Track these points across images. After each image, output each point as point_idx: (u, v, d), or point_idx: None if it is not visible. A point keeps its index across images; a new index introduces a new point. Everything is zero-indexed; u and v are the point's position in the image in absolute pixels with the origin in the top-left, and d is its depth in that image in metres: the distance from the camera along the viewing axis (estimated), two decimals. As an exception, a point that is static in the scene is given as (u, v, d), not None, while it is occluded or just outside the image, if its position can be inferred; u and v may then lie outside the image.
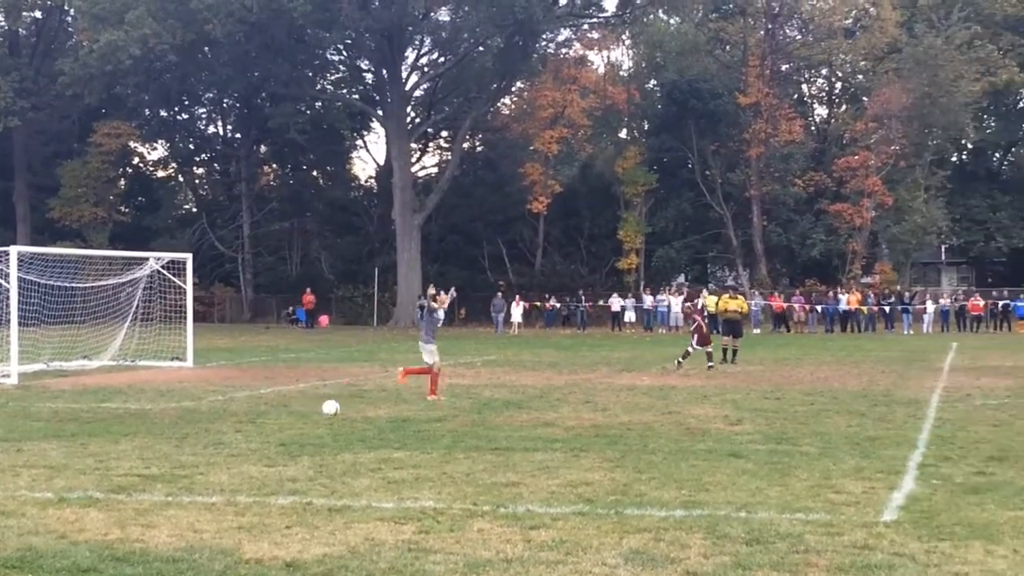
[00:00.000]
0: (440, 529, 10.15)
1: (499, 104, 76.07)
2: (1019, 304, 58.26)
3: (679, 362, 30.48)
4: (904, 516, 10.55)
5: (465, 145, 75.14)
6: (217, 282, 74.18)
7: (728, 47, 75.15)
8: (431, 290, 23.50)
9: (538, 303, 62.34)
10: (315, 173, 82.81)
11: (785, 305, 59.28)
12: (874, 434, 16.46)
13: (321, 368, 31.56)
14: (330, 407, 19.07)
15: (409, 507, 11.13)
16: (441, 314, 22.98)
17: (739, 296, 34.40)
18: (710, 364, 29.83)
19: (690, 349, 30.64)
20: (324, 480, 12.77)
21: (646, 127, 75.84)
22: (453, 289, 26.54)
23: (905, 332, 55.73)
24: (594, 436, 16.39)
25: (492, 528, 10.17)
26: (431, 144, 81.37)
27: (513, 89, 74.85)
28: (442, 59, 71.27)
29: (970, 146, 79.08)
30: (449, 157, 74.58)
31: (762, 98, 66.93)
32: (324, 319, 65.43)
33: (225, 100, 78.07)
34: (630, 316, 59.83)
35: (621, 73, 75.43)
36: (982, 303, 58.05)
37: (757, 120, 67.38)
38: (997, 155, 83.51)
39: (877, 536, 9.72)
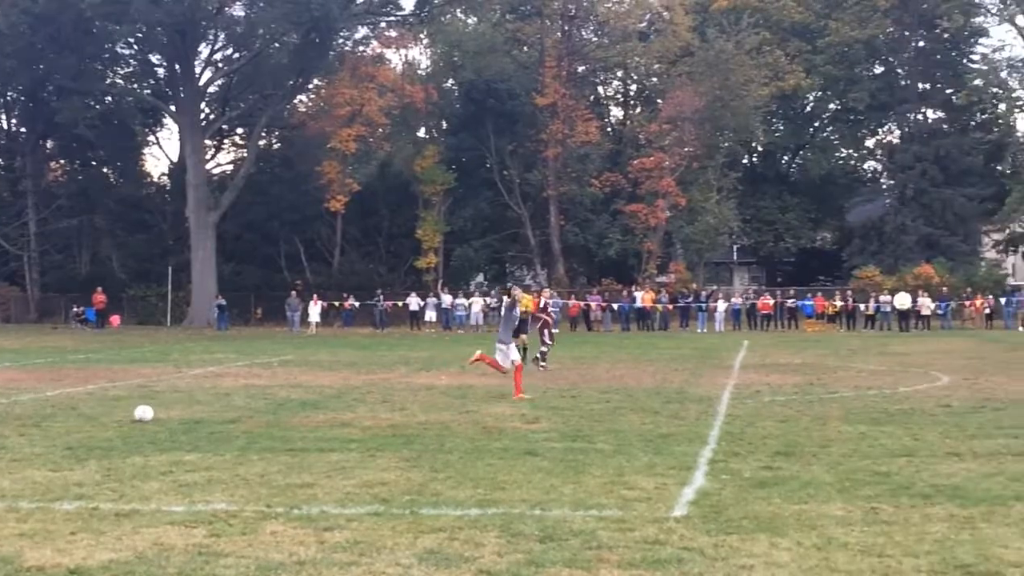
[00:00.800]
0: (232, 532, 9.93)
1: (296, 101, 75.07)
2: (807, 303, 60.07)
3: (537, 359, 30.36)
4: (694, 511, 10.70)
5: (261, 142, 74.13)
6: (1, 281, 71.68)
7: (525, 48, 75.68)
8: (516, 290, 23.99)
9: (336, 302, 61.88)
10: (105, 170, 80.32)
11: (581, 304, 60.06)
12: (667, 431, 16.68)
13: (111, 369, 30.67)
14: (143, 412, 18.41)
15: (200, 510, 10.86)
16: (517, 312, 23.18)
17: (526, 295, 34.35)
18: (542, 364, 29.97)
19: (543, 348, 30.58)
20: (112, 484, 12.38)
21: (444, 126, 75.80)
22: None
23: (699, 330, 56.96)
24: (391, 436, 16.27)
25: (285, 530, 10.00)
26: (226, 141, 79.94)
27: (310, 86, 73.99)
28: (236, 55, 70.16)
29: (760, 149, 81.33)
30: (245, 154, 73.47)
31: (559, 99, 67.61)
32: (115, 319, 63.65)
33: (9, 93, 75.37)
34: (430, 315, 59.79)
35: (419, 72, 75.28)
36: (772, 302, 59.63)
37: (554, 121, 68.01)
38: (786, 158, 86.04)
39: (667, 531, 9.83)
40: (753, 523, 10.13)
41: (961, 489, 11.67)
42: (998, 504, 10.85)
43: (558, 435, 16.26)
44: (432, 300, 60.27)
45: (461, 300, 59.88)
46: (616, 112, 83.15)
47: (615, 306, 60.10)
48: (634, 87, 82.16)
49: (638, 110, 79.69)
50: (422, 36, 75.16)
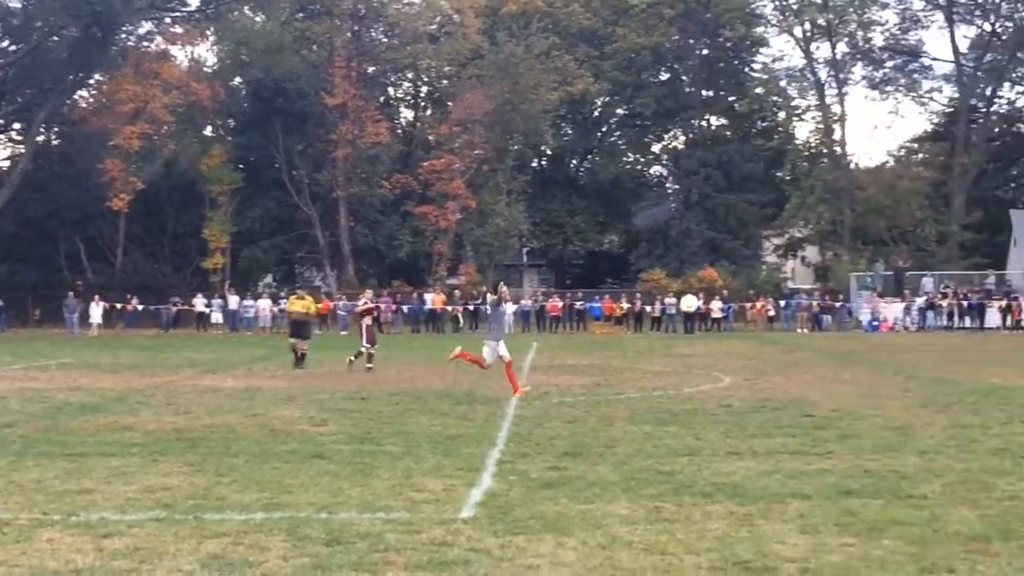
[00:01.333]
0: (5, 541, 9.56)
1: (76, 97, 72.86)
2: (595, 305, 60.97)
3: (351, 361, 30.05)
4: (481, 512, 10.72)
5: (40, 138, 71.57)
6: None
7: (315, 47, 74.90)
8: (503, 287, 24.14)
9: (119, 303, 60.27)
10: None
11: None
12: (455, 432, 16.69)
13: None
14: None
15: (-30, 520, 10.43)
16: (508, 307, 23.07)
17: (306, 297, 33.93)
18: (351, 359, 29.70)
19: (362, 349, 30.21)
20: None
21: (232, 125, 74.48)
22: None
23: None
24: (175, 440, 15.90)
25: (62, 537, 9.67)
26: (2, 136, 77.12)
27: (91, 82, 71.90)
28: (13, 48, 67.69)
29: (549, 152, 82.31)
30: (22, 150, 70.95)
31: (349, 99, 67.21)
32: None
33: None
34: (216, 317, 58.76)
35: (205, 69, 73.77)
36: (560, 304, 60.34)
37: (344, 121, 67.56)
38: (574, 162, 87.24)
39: (455, 532, 9.82)
40: (540, 523, 10.19)
41: (740, 487, 11.94)
42: (775, 501, 11.13)
43: (346, 437, 16.12)
44: (218, 301, 59.28)
45: (249, 301, 59.01)
46: (406, 113, 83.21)
47: (405, 308, 60.02)
48: (424, 89, 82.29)
49: (428, 112, 79.82)
50: (209, 33, 73.70)
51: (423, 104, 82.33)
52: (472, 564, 8.74)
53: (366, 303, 32.54)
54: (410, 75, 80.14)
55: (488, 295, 24.03)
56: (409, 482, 12.39)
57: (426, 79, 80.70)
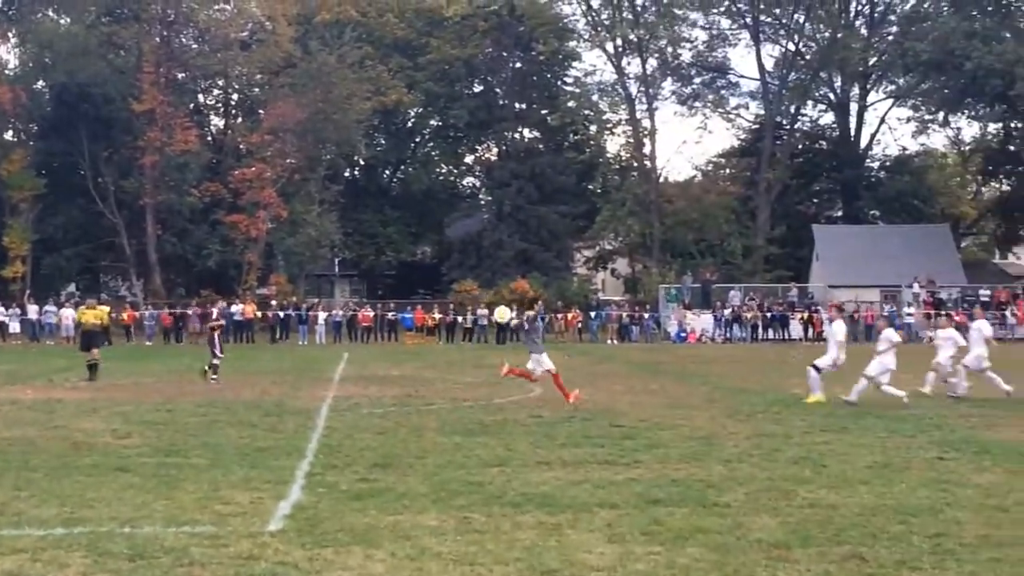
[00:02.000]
0: None
1: None
2: (407, 316, 60.87)
3: (205, 371, 29.35)
4: (290, 525, 10.59)
5: None
6: None
7: (122, 52, 73.08)
8: (539, 304, 23.60)
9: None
10: None
11: (176, 313, 58.75)
12: (264, 444, 16.48)
13: None
14: None
15: None
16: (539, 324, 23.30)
17: (98, 307, 33.17)
18: (206, 371, 29.22)
19: (215, 361, 29.56)
20: None
21: (34, 130, 72.19)
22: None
23: (300, 343, 56.70)
24: (-31, 454, 15.36)
25: None
26: None
27: None
28: None
29: (362, 163, 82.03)
30: None
31: (157, 105, 65.74)
32: None
33: None
34: (15, 327, 56.92)
35: (7, 72, 71.37)
36: (372, 314, 60.11)
37: (152, 128, 66.06)
38: (387, 172, 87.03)
39: (262, 546, 9.68)
40: (349, 535, 10.11)
41: (550, 497, 12.02)
42: (583, 511, 11.23)
43: (151, 450, 15.78)
44: (15, 311, 57.50)
45: (52, 309, 57.29)
46: (217, 121, 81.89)
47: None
48: (236, 96, 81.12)
49: (239, 120, 78.66)
50: (10, 34, 71.43)
51: (234, 112, 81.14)
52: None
53: (218, 316, 32.17)
54: (221, 82, 78.90)
55: (527, 312, 24.43)
56: (216, 495, 12.17)
57: (237, 86, 79.53)
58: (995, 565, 9.03)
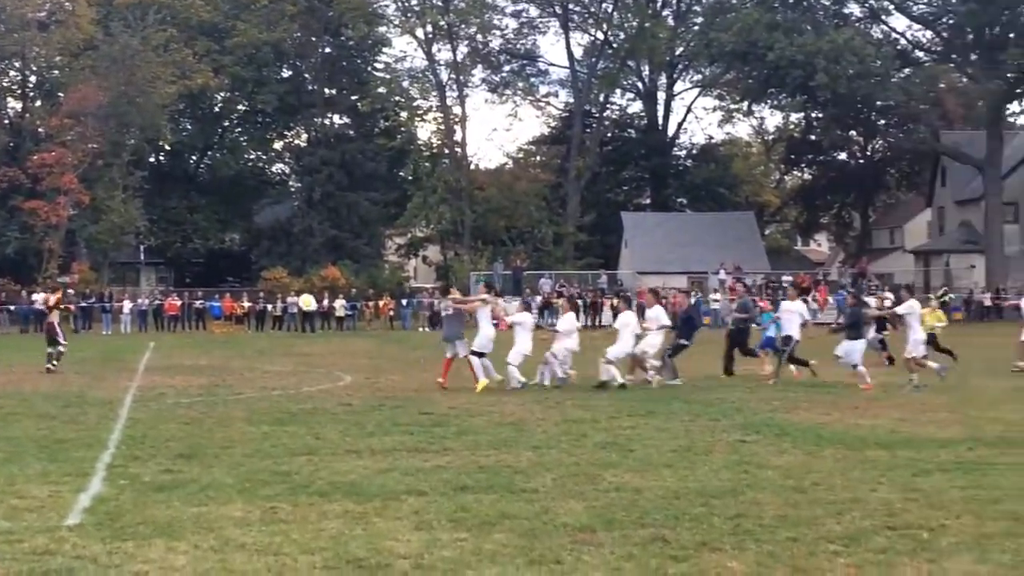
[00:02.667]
0: None
1: None
2: (215, 304, 59.94)
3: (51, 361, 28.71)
4: (89, 518, 10.31)
5: None
6: None
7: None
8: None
9: None
10: None
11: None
12: (64, 436, 16.03)
13: None
14: None
15: None
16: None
17: None
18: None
19: (61, 348, 29.08)
20: None
21: None
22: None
23: (104, 332, 55.35)
24: None
25: None
26: None
27: None
28: None
29: (168, 148, 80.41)
30: None
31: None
32: None
33: None
34: None
35: None
36: (179, 303, 59.06)
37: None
38: (194, 157, 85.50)
39: (59, 540, 9.40)
40: (150, 528, 9.89)
41: (357, 485, 11.95)
42: (391, 499, 11.18)
43: (-57, 445, 15.22)
44: None
45: None
46: (14, 104, 79.16)
47: (12, 307, 57.30)
48: (33, 79, 78.57)
49: (38, 103, 76.20)
50: None
51: (32, 94, 78.49)
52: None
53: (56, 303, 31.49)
54: (17, 64, 76.30)
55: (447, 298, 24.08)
56: (11, 489, 11.79)
57: (35, 68, 77.04)
58: (792, 544, 9.26)
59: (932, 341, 27.37)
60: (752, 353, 26.82)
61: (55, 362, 28.74)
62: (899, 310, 24.82)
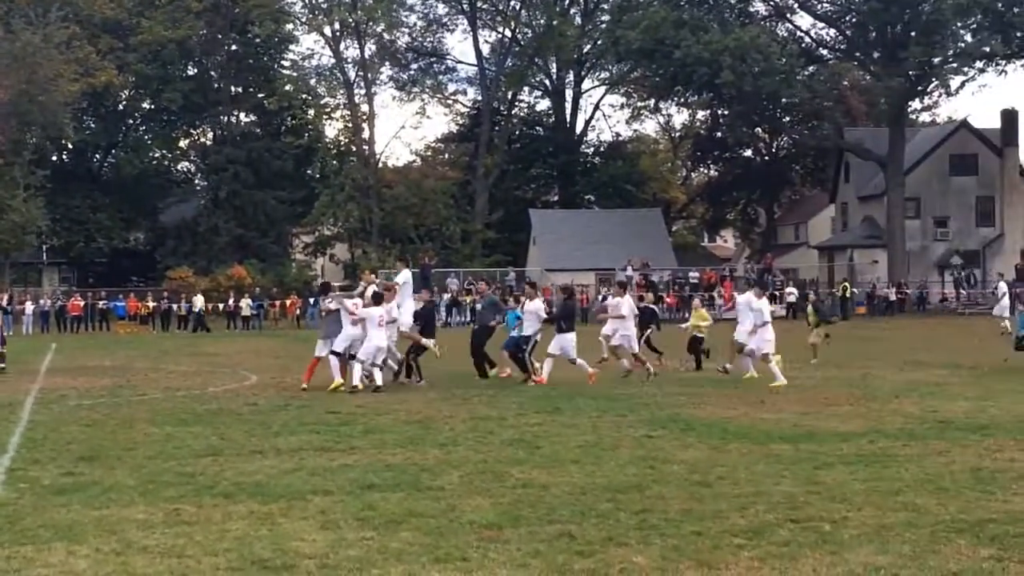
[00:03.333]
0: None
1: None
2: (119, 304, 59.23)
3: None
4: (-13, 523, 10.13)
5: None
6: None
7: None
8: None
9: None
10: None
11: None
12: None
13: None
14: None
15: None
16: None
17: None
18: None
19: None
20: None
21: None
22: None
23: (6, 333, 54.29)
24: None
25: None
26: None
27: None
28: None
29: (70, 146, 79.29)
30: None
31: None
32: None
33: None
34: None
35: None
36: (82, 303, 58.29)
37: None
38: (98, 156, 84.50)
39: (-43, 546, 9.24)
40: (51, 532, 9.74)
41: (263, 486, 11.85)
42: (297, 499, 11.11)
43: None
44: None
45: None
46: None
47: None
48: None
49: (-63, 100, 74.89)
50: None
51: (-70, 91, 77.22)
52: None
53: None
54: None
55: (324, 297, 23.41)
56: (-94, 495, 11.55)
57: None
58: (697, 538, 9.33)
59: (694, 341, 27.39)
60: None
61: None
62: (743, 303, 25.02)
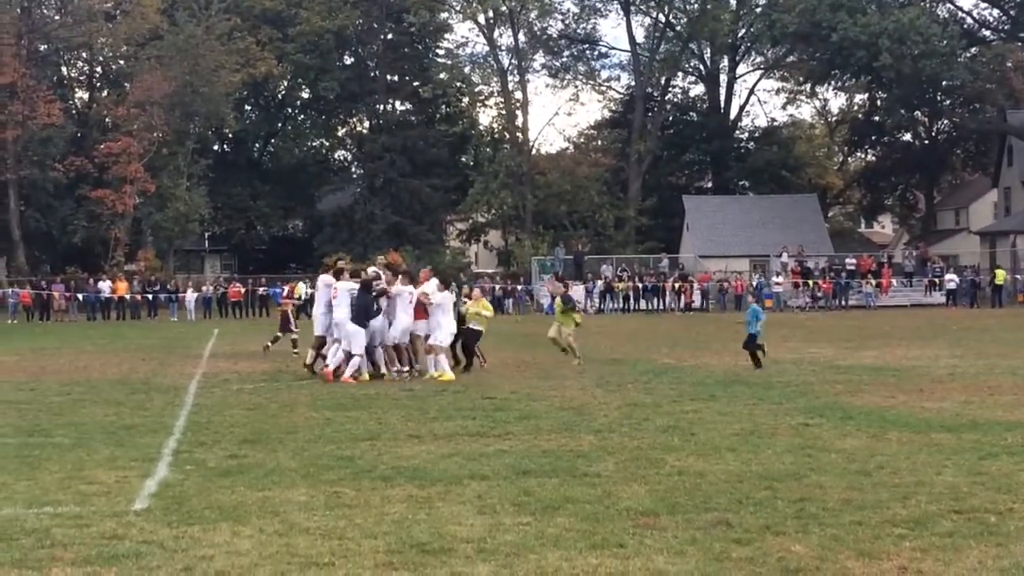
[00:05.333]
0: None
1: None
2: (278, 290, 60.26)
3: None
4: (155, 503, 10.42)
5: None
6: None
7: (-19, 24, 71.29)
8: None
9: None
10: None
11: (37, 294, 57.45)
12: (131, 422, 16.20)
13: None
14: None
15: None
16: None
17: None
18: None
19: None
20: None
21: None
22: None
23: (171, 319, 55.89)
24: None
25: None
26: None
27: None
28: None
29: (231, 136, 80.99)
30: None
31: (18, 78, 64.24)
32: None
33: None
34: None
35: None
36: (243, 289, 59.46)
37: (13, 101, 64.55)
38: (257, 145, 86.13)
39: (127, 525, 9.52)
40: (216, 512, 9.98)
41: (420, 470, 11.98)
42: (454, 483, 11.22)
43: (13, 430, 15.42)
44: None
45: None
46: (81, 94, 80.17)
47: (80, 295, 58.02)
48: (100, 69, 79.51)
49: (105, 93, 77.09)
50: None
51: (99, 85, 79.46)
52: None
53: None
54: (85, 54, 77.29)
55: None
56: (80, 475, 11.93)
57: (102, 59, 77.98)
58: (856, 528, 9.20)
59: (463, 333, 24.40)
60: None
61: (293, 349, 29.57)
62: (434, 299, 22.86)
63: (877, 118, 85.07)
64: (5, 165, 65.24)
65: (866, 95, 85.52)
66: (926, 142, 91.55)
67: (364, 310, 22.11)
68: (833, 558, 8.37)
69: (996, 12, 73.47)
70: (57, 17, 71.16)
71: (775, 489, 10.79)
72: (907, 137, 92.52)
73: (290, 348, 29.28)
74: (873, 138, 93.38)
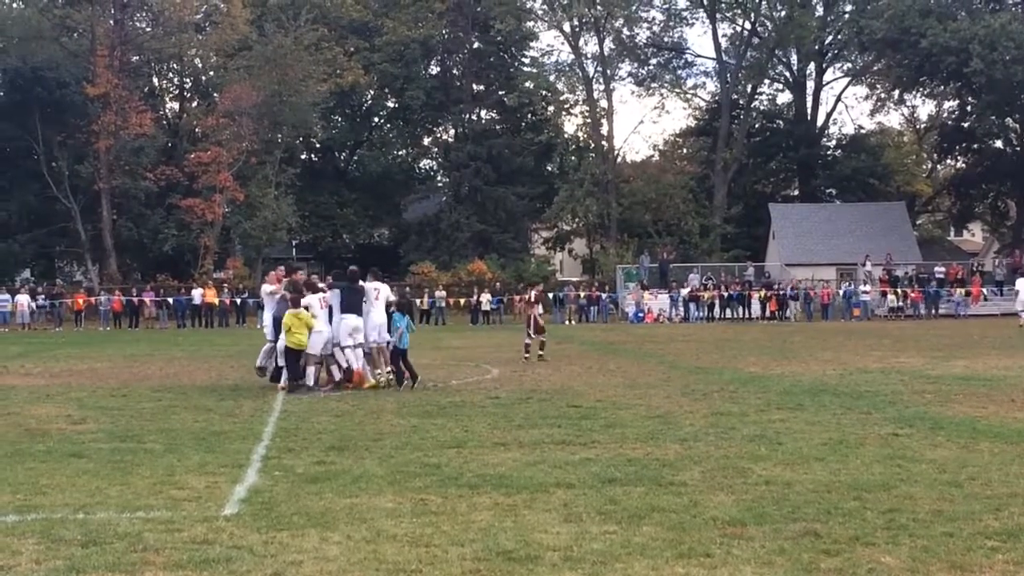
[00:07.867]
0: None
1: None
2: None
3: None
4: (245, 509, 10.52)
5: None
6: None
7: (76, 35, 72.69)
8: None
9: None
10: None
11: (128, 300, 58.21)
12: (220, 428, 16.36)
13: None
14: None
15: None
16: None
17: None
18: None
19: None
20: None
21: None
22: None
23: (259, 326, 56.26)
24: (-79, 442, 15.18)
25: None
26: None
27: None
28: None
29: (318, 145, 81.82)
30: None
31: (111, 89, 65.40)
32: None
33: None
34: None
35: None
36: (329, 297, 59.77)
37: (106, 112, 65.71)
38: (344, 154, 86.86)
39: (217, 530, 9.62)
40: (304, 518, 10.06)
41: (506, 478, 11.98)
42: (540, 491, 11.21)
43: (106, 435, 15.65)
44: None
45: (5, 297, 56.76)
46: (172, 105, 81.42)
47: (171, 301, 58.82)
48: (190, 79, 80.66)
49: (195, 103, 78.28)
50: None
51: (189, 95, 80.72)
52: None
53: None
54: (175, 65, 78.49)
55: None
56: (171, 480, 12.08)
57: (192, 70, 79.13)
58: (948, 540, 9.08)
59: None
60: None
61: (540, 351, 30.04)
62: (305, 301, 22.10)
63: (967, 125, 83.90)
64: (98, 175, 66.38)
65: (956, 101, 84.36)
66: (1018, 149, 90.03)
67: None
68: (924, 570, 8.27)
69: (1090, 16, 72.18)
70: (149, 29, 72.27)
71: (864, 499, 10.67)
72: (998, 144, 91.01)
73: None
74: (963, 145, 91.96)
